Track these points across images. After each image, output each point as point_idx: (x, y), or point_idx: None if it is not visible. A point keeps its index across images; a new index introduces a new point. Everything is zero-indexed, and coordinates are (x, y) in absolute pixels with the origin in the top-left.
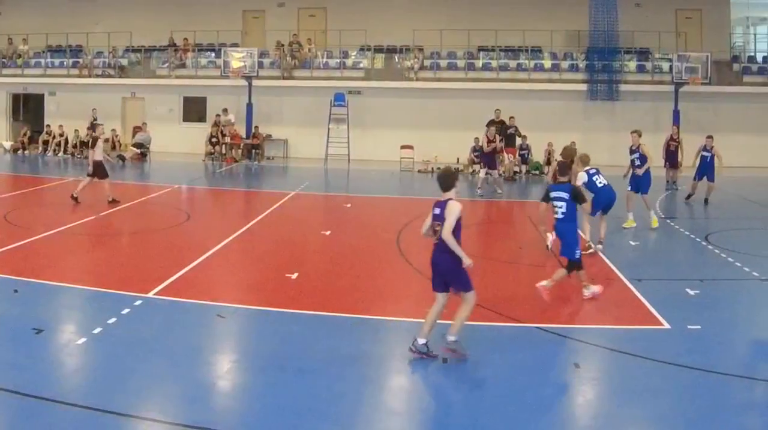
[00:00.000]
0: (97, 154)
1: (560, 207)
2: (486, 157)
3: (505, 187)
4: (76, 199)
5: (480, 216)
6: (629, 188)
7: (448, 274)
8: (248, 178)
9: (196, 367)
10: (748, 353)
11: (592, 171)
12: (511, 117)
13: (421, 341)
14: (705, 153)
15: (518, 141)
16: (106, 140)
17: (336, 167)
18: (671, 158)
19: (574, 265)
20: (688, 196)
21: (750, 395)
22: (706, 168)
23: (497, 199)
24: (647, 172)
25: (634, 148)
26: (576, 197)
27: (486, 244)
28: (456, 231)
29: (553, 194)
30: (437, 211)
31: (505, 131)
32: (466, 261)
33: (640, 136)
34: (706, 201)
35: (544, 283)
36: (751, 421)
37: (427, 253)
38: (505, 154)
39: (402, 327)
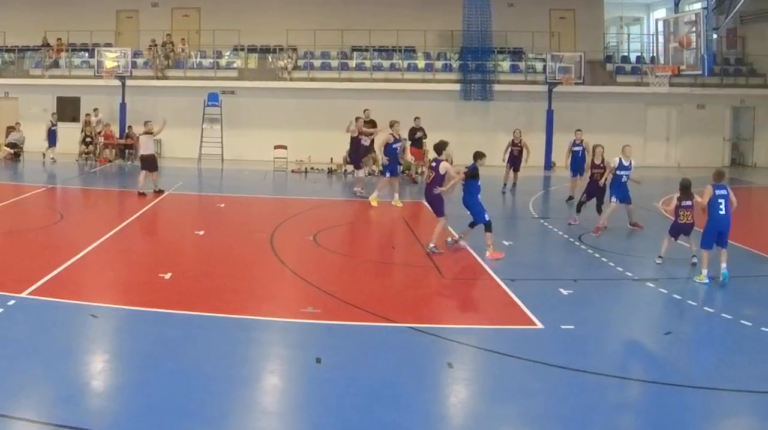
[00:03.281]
0: (149, 147)
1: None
2: (355, 156)
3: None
4: (144, 194)
5: (353, 216)
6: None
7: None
8: (122, 178)
9: (69, 367)
10: (621, 353)
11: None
12: (417, 117)
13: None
14: (576, 148)
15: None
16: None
17: (210, 167)
18: (514, 162)
19: None
20: (569, 198)
21: (623, 394)
22: (578, 163)
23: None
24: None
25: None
26: None
27: (359, 244)
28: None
29: (718, 193)
30: (434, 164)
31: (413, 133)
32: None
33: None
34: (569, 198)
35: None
36: (624, 420)
37: (299, 254)
38: (409, 155)
39: (276, 327)
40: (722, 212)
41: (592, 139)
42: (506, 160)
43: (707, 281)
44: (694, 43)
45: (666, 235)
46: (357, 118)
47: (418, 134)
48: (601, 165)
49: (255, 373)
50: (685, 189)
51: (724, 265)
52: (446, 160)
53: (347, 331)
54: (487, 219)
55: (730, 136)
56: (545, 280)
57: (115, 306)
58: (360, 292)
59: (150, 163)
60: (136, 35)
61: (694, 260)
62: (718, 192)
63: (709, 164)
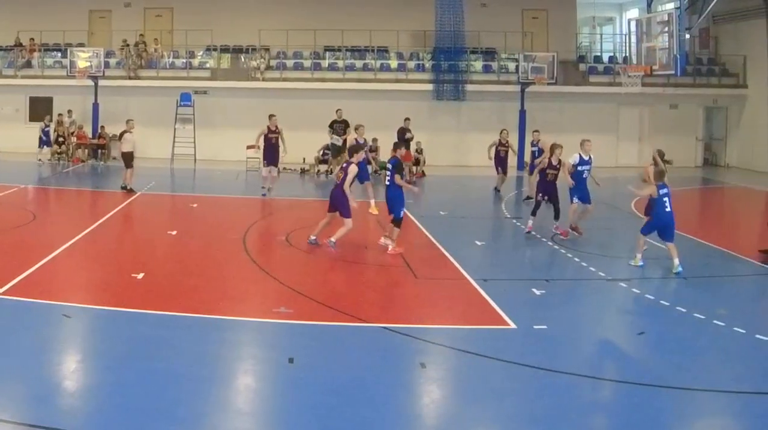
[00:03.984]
0: (126, 146)
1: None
2: (272, 154)
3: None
4: (130, 189)
5: (324, 216)
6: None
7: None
8: (94, 178)
9: (42, 367)
10: (594, 353)
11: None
12: (407, 118)
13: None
14: (533, 148)
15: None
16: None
17: (182, 167)
18: (502, 164)
19: None
20: (527, 198)
21: (596, 394)
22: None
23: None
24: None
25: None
26: None
27: None
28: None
29: (662, 191)
30: (344, 165)
31: (402, 133)
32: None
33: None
34: (526, 197)
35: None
36: (597, 421)
37: (273, 253)
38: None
39: (248, 327)
40: (667, 209)
41: (565, 139)
42: (493, 162)
43: (642, 264)
44: (651, 35)
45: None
46: (270, 116)
47: (408, 135)
48: (557, 166)
49: (228, 373)
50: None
51: (676, 260)
52: (356, 164)
53: (320, 331)
54: (401, 216)
55: (703, 137)
56: (518, 280)
57: (87, 306)
58: (333, 292)
59: (125, 160)
60: (108, 35)
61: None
62: (662, 191)
63: (682, 165)
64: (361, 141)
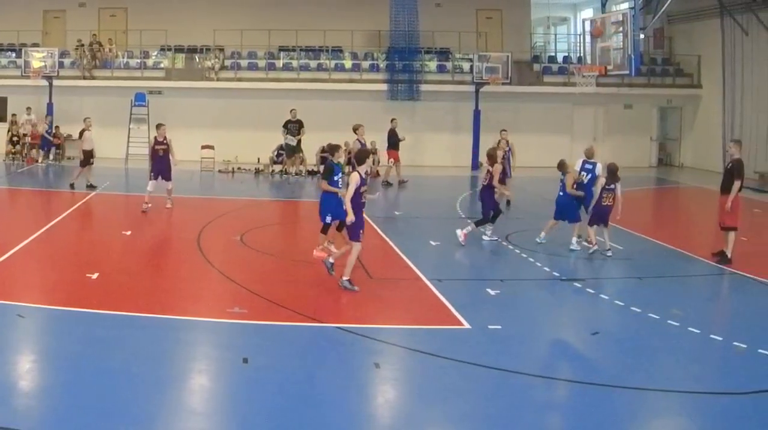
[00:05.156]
0: (86, 144)
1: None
2: (161, 167)
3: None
4: (72, 185)
5: (280, 216)
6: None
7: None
8: (49, 178)
9: None
10: (548, 353)
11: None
12: (393, 119)
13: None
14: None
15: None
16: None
17: (137, 167)
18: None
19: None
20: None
21: (549, 394)
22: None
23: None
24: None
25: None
26: None
27: (287, 244)
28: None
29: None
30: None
31: (395, 135)
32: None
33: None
34: (508, 203)
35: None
36: (550, 421)
37: (226, 254)
38: (386, 157)
39: (203, 327)
40: (560, 194)
41: (520, 139)
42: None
43: (543, 242)
44: (605, 35)
45: (588, 227)
46: (158, 126)
47: (401, 137)
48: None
49: (182, 373)
50: (612, 173)
51: (574, 239)
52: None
53: (274, 331)
54: (327, 221)
55: (657, 137)
56: (472, 280)
57: (41, 306)
58: (287, 292)
59: (84, 158)
60: (63, 35)
61: (609, 253)
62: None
63: (637, 164)
64: (363, 142)
